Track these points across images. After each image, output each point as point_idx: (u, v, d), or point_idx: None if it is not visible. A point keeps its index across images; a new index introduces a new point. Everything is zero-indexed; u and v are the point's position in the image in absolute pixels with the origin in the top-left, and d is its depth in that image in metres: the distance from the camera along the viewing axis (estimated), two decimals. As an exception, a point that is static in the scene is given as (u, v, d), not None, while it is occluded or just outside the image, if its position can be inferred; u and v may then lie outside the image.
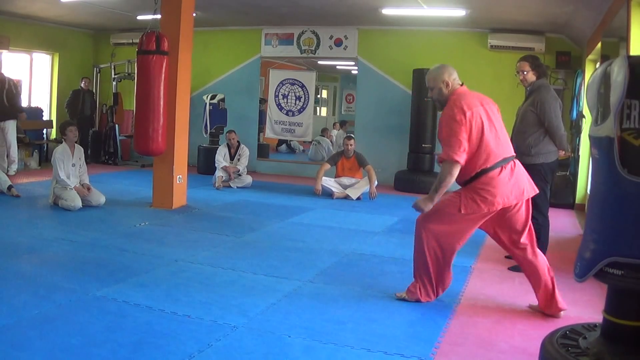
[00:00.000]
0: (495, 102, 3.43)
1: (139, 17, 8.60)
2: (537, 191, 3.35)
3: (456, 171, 3.15)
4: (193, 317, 3.06)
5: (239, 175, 8.01)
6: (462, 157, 3.12)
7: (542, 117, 4.09)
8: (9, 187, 6.39)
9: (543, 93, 4.13)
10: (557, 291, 3.35)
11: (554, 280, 3.36)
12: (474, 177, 3.19)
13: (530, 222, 3.34)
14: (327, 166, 7.65)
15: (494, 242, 5.21)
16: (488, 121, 3.20)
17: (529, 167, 4.17)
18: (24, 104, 9.96)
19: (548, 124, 4.09)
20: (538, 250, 3.39)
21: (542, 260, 3.37)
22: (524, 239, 3.33)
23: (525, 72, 4.22)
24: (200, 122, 9.20)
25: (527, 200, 3.29)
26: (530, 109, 4.15)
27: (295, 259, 4.40)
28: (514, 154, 3.31)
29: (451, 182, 3.17)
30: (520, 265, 3.50)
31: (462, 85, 3.38)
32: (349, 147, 7.59)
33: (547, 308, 3.37)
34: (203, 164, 9.21)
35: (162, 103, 5.88)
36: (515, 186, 3.21)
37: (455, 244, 3.35)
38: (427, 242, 3.33)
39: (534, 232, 3.39)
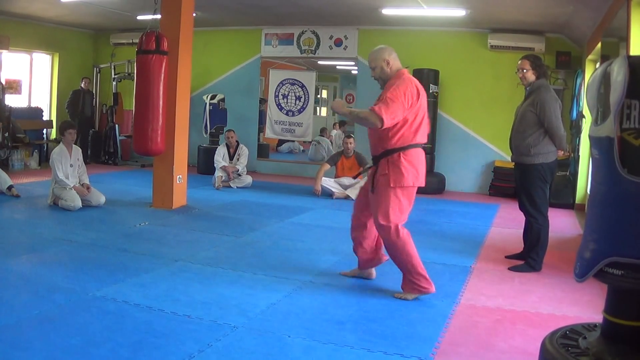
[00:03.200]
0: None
1: (139, 17, 8.60)
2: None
3: (372, 126, 3.42)
4: (193, 317, 3.06)
5: (239, 175, 8.01)
6: (388, 122, 3.34)
7: (542, 118, 4.09)
8: (9, 187, 6.40)
9: (543, 93, 4.13)
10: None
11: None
12: (405, 147, 3.43)
13: None
14: (327, 166, 7.65)
15: (494, 242, 5.25)
16: (424, 106, 3.52)
17: (528, 167, 4.19)
18: (24, 104, 9.98)
19: (548, 125, 4.09)
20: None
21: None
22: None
23: (525, 71, 4.22)
24: (200, 122, 9.20)
25: None
26: (530, 109, 4.15)
27: (295, 259, 4.40)
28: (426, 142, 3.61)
29: (362, 125, 3.61)
30: (357, 240, 3.76)
31: (407, 68, 3.62)
32: (349, 145, 7.59)
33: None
34: (203, 164, 9.21)
35: (161, 103, 5.87)
36: (425, 169, 3.55)
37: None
38: (397, 235, 3.43)
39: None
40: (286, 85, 10.03)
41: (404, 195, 3.46)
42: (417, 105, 3.42)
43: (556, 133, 4.11)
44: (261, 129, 10.99)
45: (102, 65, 10.29)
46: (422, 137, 3.51)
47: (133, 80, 6.54)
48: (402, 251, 3.48)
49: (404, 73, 3.53)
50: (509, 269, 4.31)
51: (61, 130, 6.20)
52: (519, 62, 4.28)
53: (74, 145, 6.16)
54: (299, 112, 9.99)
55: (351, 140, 7.66)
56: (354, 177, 6.88)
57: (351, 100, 14.90)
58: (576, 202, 7.36)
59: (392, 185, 3.42)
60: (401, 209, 3.46)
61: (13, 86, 9.87)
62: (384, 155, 3.49)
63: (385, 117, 3.31)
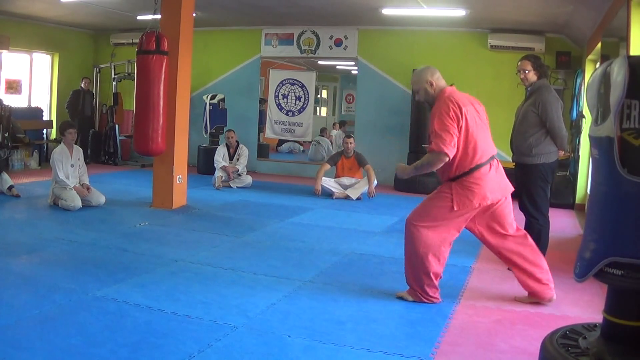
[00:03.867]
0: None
1: (139, 17, 8.60)
2: (513, 189, 3.52)
3: (441, 164, 3.27)
4: (193, 317, 3.06)
5: (239, 175, 8.01)
6: (451, 151, 3.23)
7: (543, 118, 4.07)
8: (10, 187, 6.40)
9: (544, 94, 4.12)
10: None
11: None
12: (467, 173, 3.30)
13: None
14: (327, 166, 7.64)
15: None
16: (479, 119, 3.36)
17: (529, 168, 4.18)
18: (24, 104, 9.98)
19: (550, 125, 4.07)
20: (530, 241, 3.53)
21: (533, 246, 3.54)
22: (514, 229, 3.49)
23: (526, 71, 4.20)
24: (200, 122, 9.20)
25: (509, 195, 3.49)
26: (532, 110, 4.13)
27: (295, 259, 4.40)
28: (496, 152, 3.49)
29: (430, 171, 3.35)
30: (508, 262, 3.57)
31: (451, 85, 3.48)
32: (349, 145, 7.59)
33: (541, 293, 3.50)
34: (203, 164, 9.21)
35: (162, 103, 5.87)
36: (500, 182, 3.40)
37: (449, 239, 3.40)
38: (424, 241, 3.34)
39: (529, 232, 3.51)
40: (286, 85, 10.02)
41: (461, 215, 3.32)
42: (464, 122, 3.25)
43: (558, 133, 4.10)
44: (261, 129, 10.99)
45: (102, 65, 10.29)
46: (487, 152, 3.35)
47: (133, 80, 6.55)
48: (416, 254, 3.37)
49: (444, 93, 3.37)
50: (508, 269, 4.29)
51: (61, 130, 6.20)
52: (520, 62, 4.27)
53: (75, 146, 6.16)
54: (299, 112, 9.99)
55: (351, 140, 7.66)
56: None
57: (351, 101, 14.93)
58: (576, 202, 7.35)
59: (456, 209, 3.28)
60: (440, 221, 3.33)
61: (13, 86, 9.87)
62: (449, 181, 3.36)
63: (446, 149, 3.19)
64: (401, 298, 3.49)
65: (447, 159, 3.24)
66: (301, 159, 11.75)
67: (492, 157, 3.39)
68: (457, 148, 3.25)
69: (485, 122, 3.44)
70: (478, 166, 3.29)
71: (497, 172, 3.39)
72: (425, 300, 3.42)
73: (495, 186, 3.34)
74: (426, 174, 8.13)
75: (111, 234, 4.92)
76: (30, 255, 4.14)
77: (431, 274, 3.38)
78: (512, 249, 3.48)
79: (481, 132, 3.34)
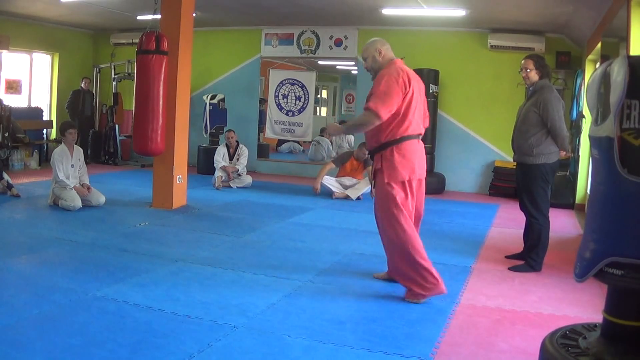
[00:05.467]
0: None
1: (139, 17, 8.60)
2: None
3: (372, 126, 3.38)
4: (193, 317, 3.06)
5: (239, 175, 8.01)
6: (385, 116, 3.34)
7: (545, 118, 4.08)
8: (10, 187, 6.40)
9: (546, 94, 4.12)
10: None
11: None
12: (397, 140, 3.41)
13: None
14: (332, 166, 7.63)
15: (494, 242, 5.25)
16: (420, 96, 3.51)
17: (530, 167, 4.19)
18: (24, 104, 9.98)
19: (551, 125, 4.07)
20: None
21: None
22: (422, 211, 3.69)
23: (528, 70, 4.21)
24: (200, 122, 9.20)
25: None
26: (533, 110, 4.13)
27: (295, 259, 4.41)
28: (423, 133, 3.60)
29: (363, 131, 3.47)
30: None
31: (402, 58, 3.60)
32: (366, 155, 7.56)
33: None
34: (203, 164, 9.21)
35: (161, 103, 5.87)
36: (424, 161, 3.54)
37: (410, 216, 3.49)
38: (402, 230, 3.40)
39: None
40: (286, 85, 10.03)
41: (401, 189, 3.44)
42: (410, 94, 3.39)
43: (559, 134, 4.10)
44: (261, 129, 10.99)
45: (102, 65, 10.29)
46: (417, 128, 3.50)
47: (133, 80, 6.54)
48: (403, 249, 3.42)
49: (395, 62, 3.52)
50: (509, 269, 4.31)
51: (61, 130, 6.20)
52: (523, 61, 4.27)
53: (75, 146, 6.16)
54: (299, 112, 9.99)
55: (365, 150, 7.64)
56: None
57: (351, 101, 14.92)
58: (576, 202, 7.36)
59: (386, 180, 3.41)
60: (399, 204, 3.42)
61: (13, 86, 9.87)
62: (378, 150, 3.49)
63: (381, 112, 3.31)
64: (406, 300, 3.49)
65: (378, 123, 3.35)
66: (301, 159, 11.75)
67: (419, 135, 3.51)
68: (397, 115, 3.37)
69: (424, 100, 3.59)
70: (409, 137, 3.43)
71: (423, 150, 3.56)
72: (427, 290, 3.41)
73: (422, 162, 3.51)
74: (427, 175, 8.23)
75: (111, 234, 4.92)
76: (30, 255, 4.14)
77: (426, 262, 3.40)
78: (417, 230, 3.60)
79: (418, 107, 3.49)
